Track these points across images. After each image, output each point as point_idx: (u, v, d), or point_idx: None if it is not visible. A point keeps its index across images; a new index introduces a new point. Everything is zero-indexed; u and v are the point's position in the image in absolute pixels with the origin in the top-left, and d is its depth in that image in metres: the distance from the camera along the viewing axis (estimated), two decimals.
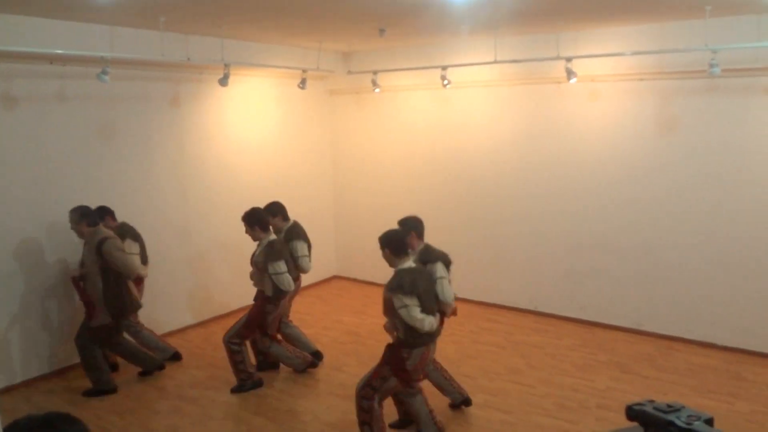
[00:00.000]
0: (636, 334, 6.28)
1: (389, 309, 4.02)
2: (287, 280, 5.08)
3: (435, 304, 4.12)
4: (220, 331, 6.56)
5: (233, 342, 5.19)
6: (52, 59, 5.22)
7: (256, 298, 5.30)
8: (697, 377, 5.29)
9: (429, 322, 3.95)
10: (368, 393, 4.11)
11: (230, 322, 6.74)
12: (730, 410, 4.70)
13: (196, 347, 6.14)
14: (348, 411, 4.80)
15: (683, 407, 2.73)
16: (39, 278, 5.37)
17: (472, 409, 4.77)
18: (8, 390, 5.17)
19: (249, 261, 5.26)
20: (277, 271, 5.04)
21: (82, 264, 5.07)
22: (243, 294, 7.14)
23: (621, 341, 6.11)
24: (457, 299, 4.47)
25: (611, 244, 6.41)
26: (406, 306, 3.90)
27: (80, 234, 5.01)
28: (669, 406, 2.80)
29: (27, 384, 5.29)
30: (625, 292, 6.37)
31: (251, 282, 5.26)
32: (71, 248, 5.56)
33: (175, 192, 6.43)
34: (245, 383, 5.20)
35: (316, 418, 4.73)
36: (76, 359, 5.60)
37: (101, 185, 5.75)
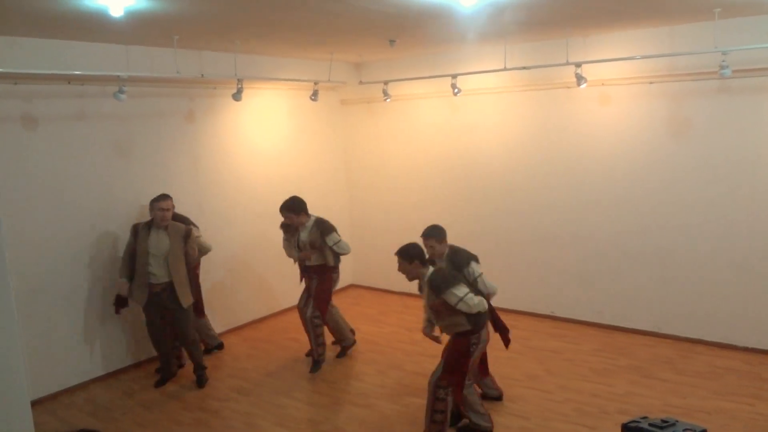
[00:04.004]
0: (655, 337, 6.25)
1: (444, 312, 4.18)
2: (346, 244, 5.81)
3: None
4: (239, 342, 6.64)
5: (316, 316, 5.77)
6: (70, 79, 5.33)
7: (314, 274, 5.80)
8: (717, 380, 5.25)
9: (480, 299, 4.18)
10: (444, 383, 4.31)
11: (249, 333, 6.86)
12: (752, 412, 4.67)
13: (217, 358, 6.19)
14: (368, 420, 4.83)
15: (677, 422, 2.76)
16: (61, 293, 5.46)
17: (496, 417, 4.78)
18: (33, 404, 5.25)
19: (285, 256, 5.89)
20: (336, 240, 5.71)
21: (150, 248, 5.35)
22: (259, 305, 7.23)
23: (640, 345, 6.08)
24: None
25: (627, 248, 6.39)
26: (461, 298, 4.08)
27: (166, 220, 5.37)
28: (664, 421, 2.83)
29: (51, 397, 5.37)
30: (643, 296, 6.35)
31: (302, 263, 5.82)
32: (94, 261, 5.67)
33: (192, 206, 6.51)
34: (320, 360, 5.83)
35: (336, 428, 4.76)
36: (96, 373, 5.74)
37: (120, 200, 5.85)
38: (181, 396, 5.40)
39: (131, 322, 6.00)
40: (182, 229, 5.44)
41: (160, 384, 5.60)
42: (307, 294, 5.91)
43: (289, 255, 5.96)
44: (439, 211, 7.69)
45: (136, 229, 5.41)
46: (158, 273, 5.34)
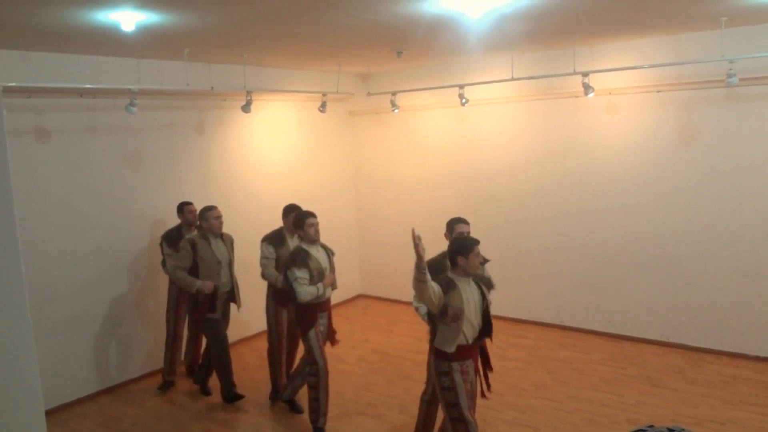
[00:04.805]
0: (665, 346, 6.21)
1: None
2: None
3: None
4: (247, 353, 6.65)
5: None
6: (82, 93, 5.40)
7: (327, 310, 5.00)
8: (728, 389, 5.22)
9: None
10: None
11: (258, 344, 6.86)
12: (764, 421, 4.63)
13: None
14: (377, 430, 4.83)
15: (683, 429, 2.77)
16: (73, 304, 5.50)
17: (500, 426, 4.77)
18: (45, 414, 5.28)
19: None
20: None
21: (216, 260, 5.26)
22: None
23: (650, 354, 6.05)
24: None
25: (636, 257, 6.38)
26: None
27: (221, 228, 5.35)
28: (670, 429, 2.84)
29: (62, 408, 5.40)
30: (652, 305, 6.32)
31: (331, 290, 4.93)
32: (106, 272, 5.72)
33: None
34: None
35: None
36: (107, 384, 5.77)
37: (131, 211, 5.90)
38: (190, 407, 5.42)
39: (141, 333, 6.05)
40: (231, 238, 5.51)
41: (234, 398, 5.38)
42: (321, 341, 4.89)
43: (304, 291, 4.57)
44: (446, 219, 7.69)
45: (192, 242, 5.18)
46: (225, 281, 5.33)
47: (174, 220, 6.14)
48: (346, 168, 8.48)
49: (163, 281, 6.04)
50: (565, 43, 5.97)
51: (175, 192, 6.28)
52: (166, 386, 5.78)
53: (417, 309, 4.25)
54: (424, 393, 4.45)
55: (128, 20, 3.97)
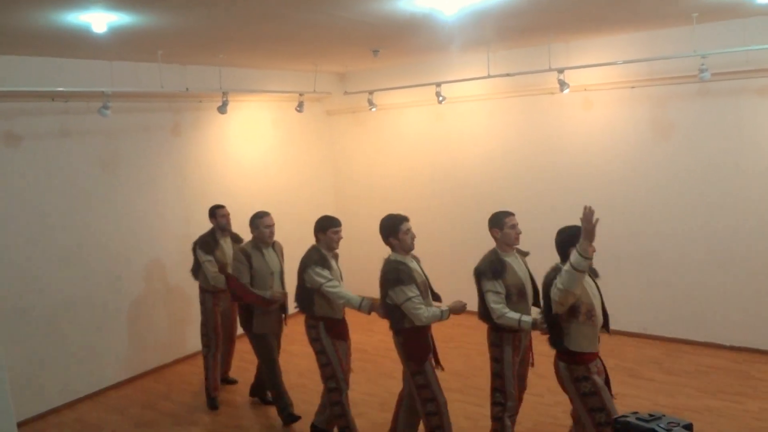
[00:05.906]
0: (643, 338, 6.30)
1: None
2: None
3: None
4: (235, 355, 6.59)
5: None
6: (54, 96, 5.32)
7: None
8: (705, 378, 5.31)
9: None
10: None
11: (243, 346, 6.80)
12: (740, 410, 4.72)
13: None
14: (361, 428, 4.82)
15: (663, 416, 2.87)
16: (46, 311, 5.41)
17: (481, 420, 4.79)
18: (20, 425, 5.19)
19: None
20: None
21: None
22: None
23: (628, 346, 6.13)
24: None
25: (613, 250, 6.44)
26: None
27: (273, 236, 4.97)
28: (650, 415, 2.96)
29: (39, 418, 5.31)
30: (630, 298, 6.40)
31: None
32: (79, 278, 5.64)
33: (179, 219, 6.50)
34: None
35: None
36: (85, 391, 5.69)
37: (106, 216, 5.83)
38: (174, 412, 5.37)
39: (118, 339, 5.97)
40: (281, 246, 5.12)
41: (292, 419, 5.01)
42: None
43: (425, 312, 4.03)
44: (425, 218, 7.71)
45: (246, 253, 4.82)
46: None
47: (150, 224, 6.12)
48: (325, 167, 8.45)
49: (137, 285, 5.98)
50: (541, 39, 6.01)
51: (150, 195, 6.22)
52: (214, 402, 5.37)
53: (503, 316, 3.92)
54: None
55: (99, 21, 3.92)
